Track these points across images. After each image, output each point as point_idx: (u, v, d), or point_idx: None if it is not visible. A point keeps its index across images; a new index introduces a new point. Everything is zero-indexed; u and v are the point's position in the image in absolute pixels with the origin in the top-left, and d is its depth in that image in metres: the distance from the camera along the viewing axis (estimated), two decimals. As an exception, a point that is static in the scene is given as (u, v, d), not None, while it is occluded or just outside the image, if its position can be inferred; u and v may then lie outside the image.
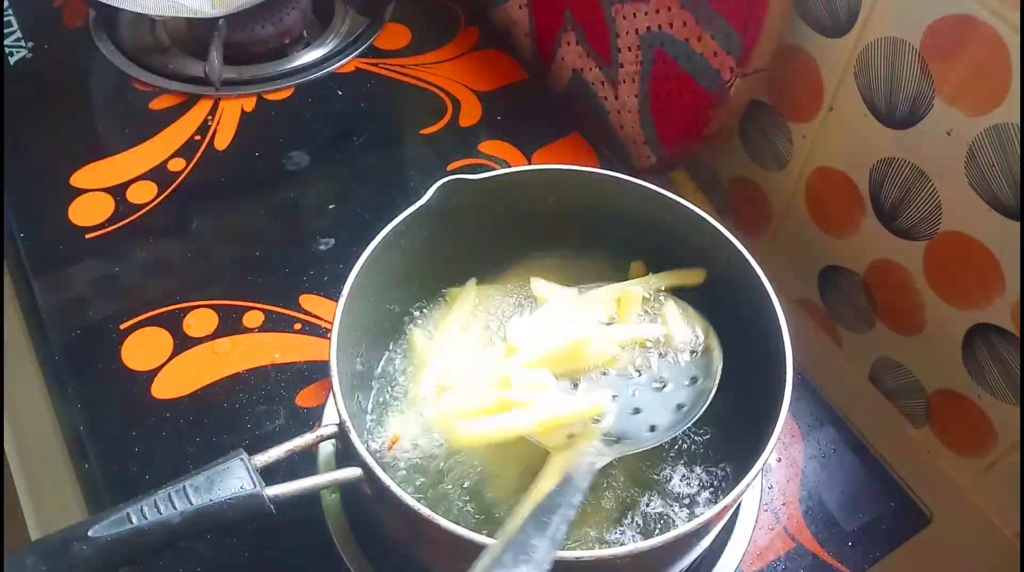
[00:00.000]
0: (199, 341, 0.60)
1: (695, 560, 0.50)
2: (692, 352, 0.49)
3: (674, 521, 0.47)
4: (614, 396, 0.47)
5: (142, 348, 0.60)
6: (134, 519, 0.37)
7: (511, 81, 0.80)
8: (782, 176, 0.66)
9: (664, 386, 0.48)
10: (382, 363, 0.53)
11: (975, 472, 0.59)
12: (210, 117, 0.75)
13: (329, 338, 0.45)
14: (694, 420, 0.45)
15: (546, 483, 0.40)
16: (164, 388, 0.58)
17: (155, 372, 0.58)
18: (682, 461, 0.50)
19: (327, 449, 0.53)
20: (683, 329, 0.50)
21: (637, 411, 0.47)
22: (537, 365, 0.48)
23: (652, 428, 0.46)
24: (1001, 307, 0.53)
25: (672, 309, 0.51)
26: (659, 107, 0.68)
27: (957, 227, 0.54)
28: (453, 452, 0.48)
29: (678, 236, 0.52)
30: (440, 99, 0.78)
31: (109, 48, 0.80)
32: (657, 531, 0.47)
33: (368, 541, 0.51)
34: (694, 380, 0.48)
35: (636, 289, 0.51)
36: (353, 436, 0.41)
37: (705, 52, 0.61)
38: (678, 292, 0.52)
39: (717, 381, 0.47)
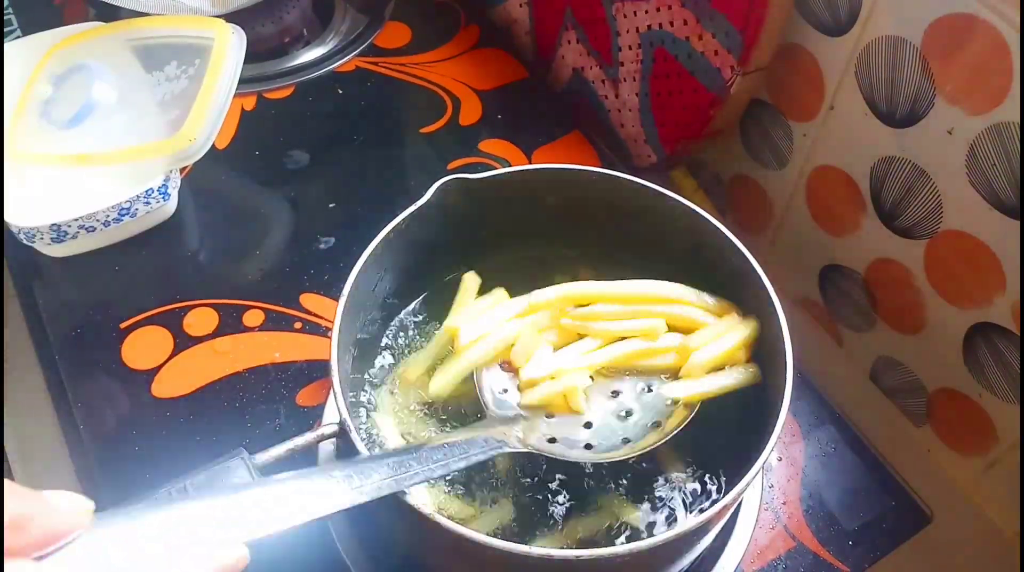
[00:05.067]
0: (199, 340, 0.60)
1: (696, 559, 0.50)
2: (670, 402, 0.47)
3: (674, 520, 0.47)
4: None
5: (142, 347, 0.60)
6: (134, 518, 0.37)
7: (511, 79, 0.80)
8: (783, 175, 0.66)
9: (627, 416, 0.47)
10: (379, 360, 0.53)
11: (975, 471, 0.59)
12: (210, 116, 0.75)
13: (329, 337, 0.45)
14: (622, 456, 0.45)
15: (461, 435, 0.43)
16: (164, 387, 0.58)
17: (155, 371, 0.58)
18: (683, 460, 0.50)
19: (327, 448, 0.53)
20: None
21: (588, 425, 0.46)
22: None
23: (588, 446, 0.45)
24: (1002, 306, 0.53)
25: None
26: (660, 106, 0.68)
27: (958, 226, 0.54)
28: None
29: (678, 235, 0.52)
30: (440, 98, 0.78)
31: (109, 47, 0.80)
32: (657, 531, 0.47)
33: (369, 540, 0.51)
34: (656, 424, 0.47)
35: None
36: (353, 435, 0.41)
37: (706, 51, 0.61)
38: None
39: (668, 436, 0.45)
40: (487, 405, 0.46)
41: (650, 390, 0.48)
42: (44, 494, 0.28)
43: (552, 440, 0.45)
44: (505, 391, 0.47)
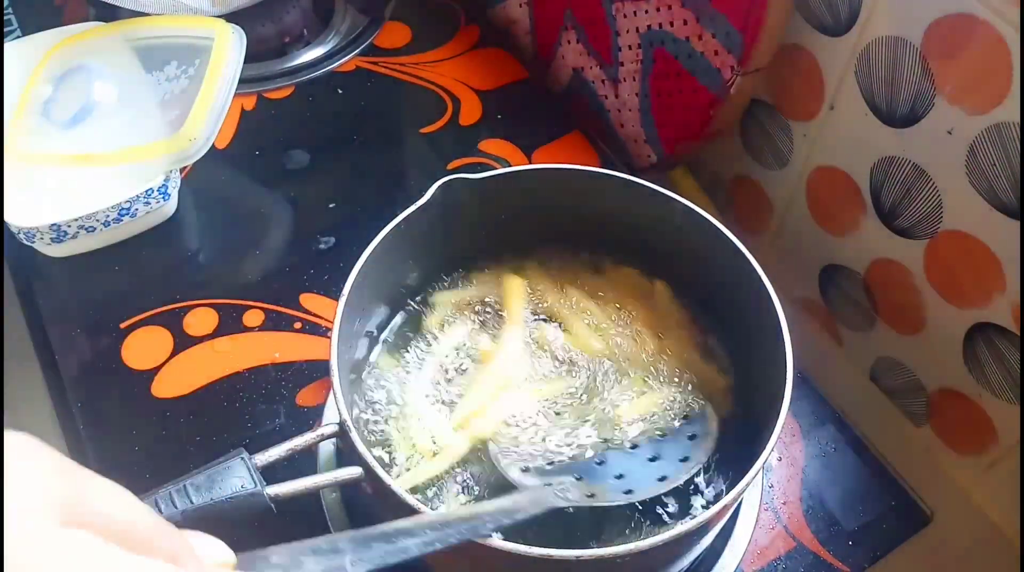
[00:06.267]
0: (199, 340, 0.60)
1: (695, 559, 0.50)
2: (691, 436, 0.49)
3: (674, 520, 0.47)
4: (599, 462, 0.47)
5: (142, 347, 0.60)
6: (134, 518, 0.37)
7: (511, 80, 0.80)
8: (783, 175, 0.66)
9: (654, 460, 0.47)
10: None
11: (975, 471, 0.59)
12: (210, 116, 0.75)
13: (329, 337, 0.45)
14: (665, 490, 0.45)
15: (504, 501, 0.40)
16: (164, 387, 0.58)
17: (155, 371, 0.58)
18: (683, 459, 0.50)
19: (327, 448, 0.53)
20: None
21: (620, 476, 0.46)
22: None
23: (628, 491, 0.45)
24: (1001, 306, 0.53)
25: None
26: (660, 106, 0.68)
27: (958, 226, 0.54)
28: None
29: (678, 235, 0.52)
30: (440, 98, 0.78)
31: (109, 47, 0.80)
32: (657, 530, 0.47)
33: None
34: (685, 459, 0.47)
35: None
36: (354, 435, 0.41)
37: (706, 51, 0.61)
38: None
39: (701, 464, 0.47)
40: (517, 481, 0.45)
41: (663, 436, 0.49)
42: (186, 536, 0.25)
43: (590, 495, 0.44)
44: (527, 470, 0.46)
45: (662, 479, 0.46)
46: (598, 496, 0.44)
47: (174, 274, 0.65)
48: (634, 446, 0.48)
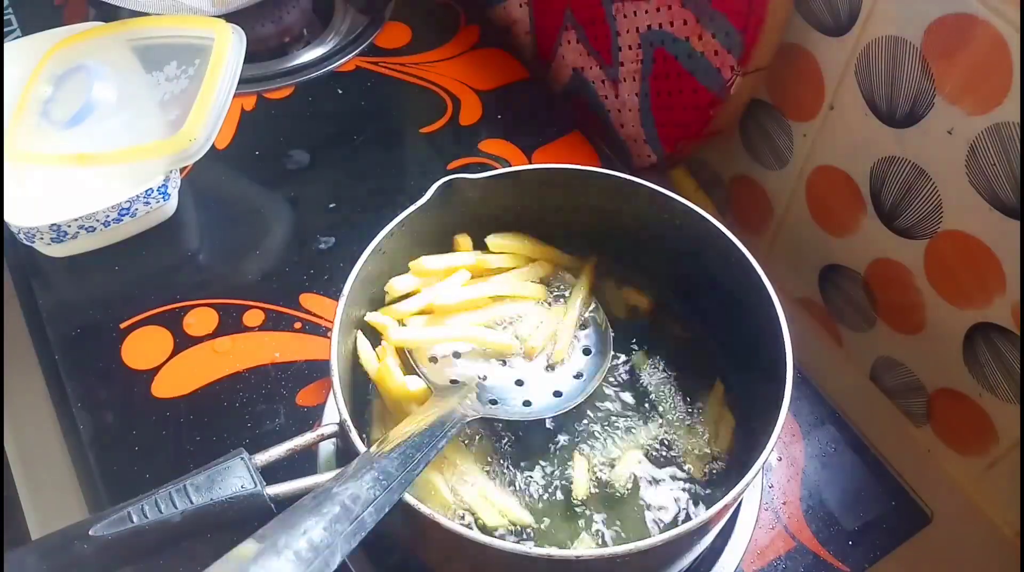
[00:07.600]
0: (199, 340, 0.60)
1: (695, 559, 0.50)
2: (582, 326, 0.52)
3: (674, 520, 0.47)
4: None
5: (142, 347, 0.60)
6: (135, 518, 0.37)
7: (511, 80, 0.80)
8: (783, 175, 0.66)
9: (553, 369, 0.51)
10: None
11: (976, 471, 0.59)
12: (210, 116, 0.75)
13: (329, 337, 0.45)
14: (590, 391, 0.49)
15: (422, 422, 0.42)
16: (164, 387, 0.58)
17: (155, 371, 0.58)
18: (683, 459, 0.50)
19: (327, 448, 0.53)
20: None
21: (520, 383, 0.49)
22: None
23: (526, 403, 0.49)
24: (1002, 306, 0.53)
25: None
26: (660, 106, 0.68)
27: (958, 226, 0.54)
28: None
29: (678, 235, 0.52)
30: (440, 98, 0.78)
31: (109, 47, 0.80)
32: (657, 530, 0.47)
33: (368, 540, 0.50)
34: (587, 351, 0.51)
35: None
36: (353, 435, 0.41)
37: (706, 51, 0.61)
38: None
39: (611, 352, 0.51)
40: (426, 378, 0.48)
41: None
42: None
43: (493, 401, 0.48)
44: (435, 360, 0.50)
45: (557, 394, 0.49)
46: (500, 407, 0.48)
47: (174, 274, 0.65)
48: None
